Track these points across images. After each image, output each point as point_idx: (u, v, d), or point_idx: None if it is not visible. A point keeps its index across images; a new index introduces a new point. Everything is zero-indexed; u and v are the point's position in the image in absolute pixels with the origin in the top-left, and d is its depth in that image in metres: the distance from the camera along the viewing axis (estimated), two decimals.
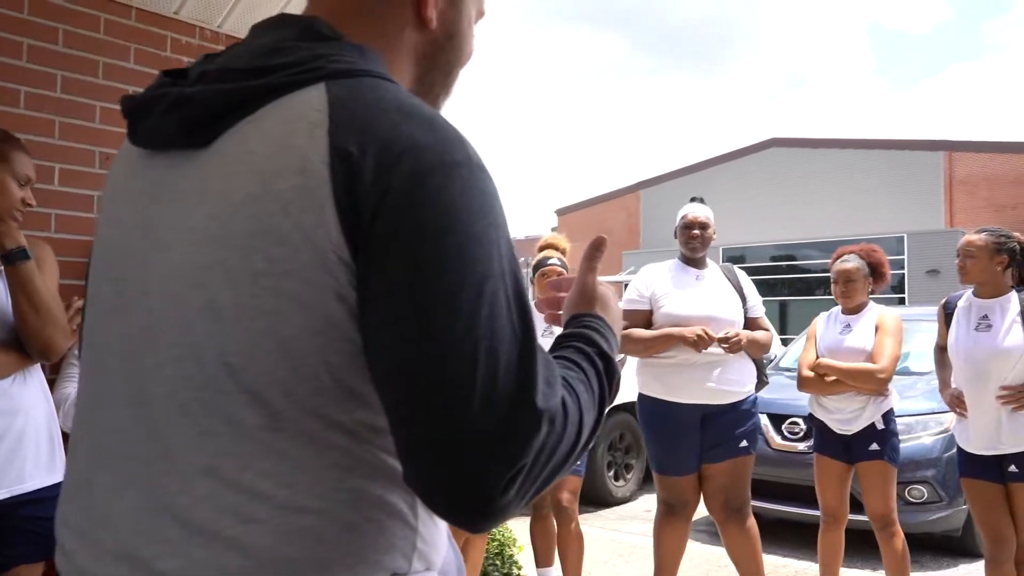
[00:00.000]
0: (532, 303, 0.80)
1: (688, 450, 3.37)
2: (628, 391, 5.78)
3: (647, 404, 3.50)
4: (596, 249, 0.99)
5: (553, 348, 0.87)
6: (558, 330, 3.53)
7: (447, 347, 0.67)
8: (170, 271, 0.77)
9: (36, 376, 2.12)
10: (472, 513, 0.68)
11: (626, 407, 6.31)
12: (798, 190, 24.01)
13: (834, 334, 3.65)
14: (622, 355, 3.87)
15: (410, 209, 0.69)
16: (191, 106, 0.78)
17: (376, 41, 0.84)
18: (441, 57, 0.92)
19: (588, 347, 0.86)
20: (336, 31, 0.82)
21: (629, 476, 6.48)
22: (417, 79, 0.91)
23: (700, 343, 3.20)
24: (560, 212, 31.51)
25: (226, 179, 0.75)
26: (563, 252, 4.03)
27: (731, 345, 3.24)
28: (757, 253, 23.70)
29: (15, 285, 2.03)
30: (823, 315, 3.84)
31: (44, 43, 2.56)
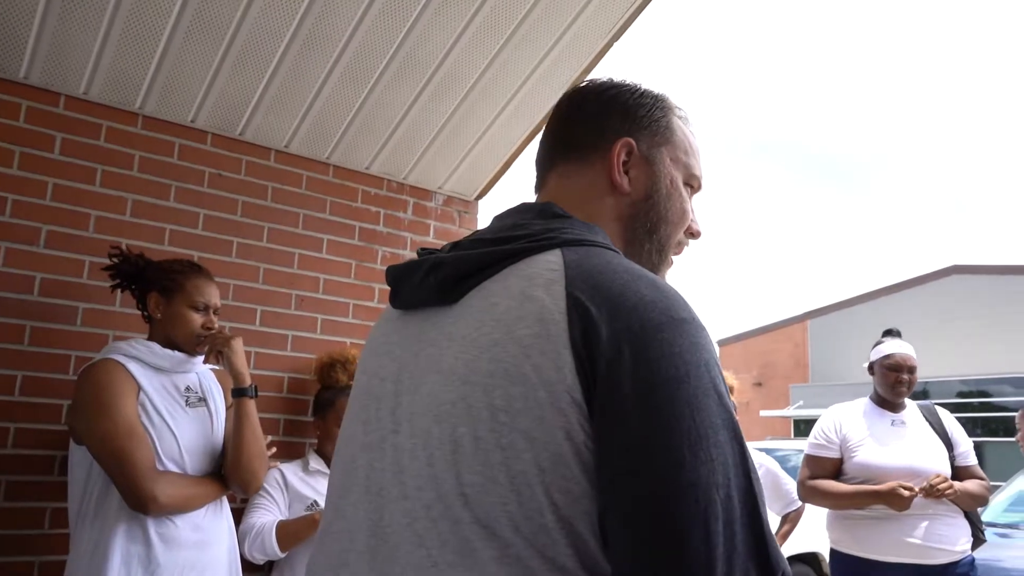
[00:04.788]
0: None
1: None
2: (805, 541, 5.39)
3: (842, 562, 3.14)
4: None
5: None
6: None
7: (679, 498, 0.70)
8: (419, 409, 0.85)
9: (225, 508, 2.21)
10: None
11: (804, 558, 5.84)
12: (985, 320, 22.16)
13: None
14: (801, 504, 3.61)
15: (644, 359, 0.74)
16: (444, 268, 0.89)
17: (584, 211, 0.97)
18: (642, 217, 1.00)
19: None
20: (566, 212, 0.94)
21: None
22: (626, 241, 1.00)
23: (900, 502, 2.89)
24: (722, 343, 30.67)
25: (472, 327, 0.83)
26: (730, 390, 3.89)
27: (934, 493, 2.91)
28: (942, 389, 21.82)
29: (242, 419, 2.19)
30: None
31: (256, 199, 2.88)
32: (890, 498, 2.90)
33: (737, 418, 0.77)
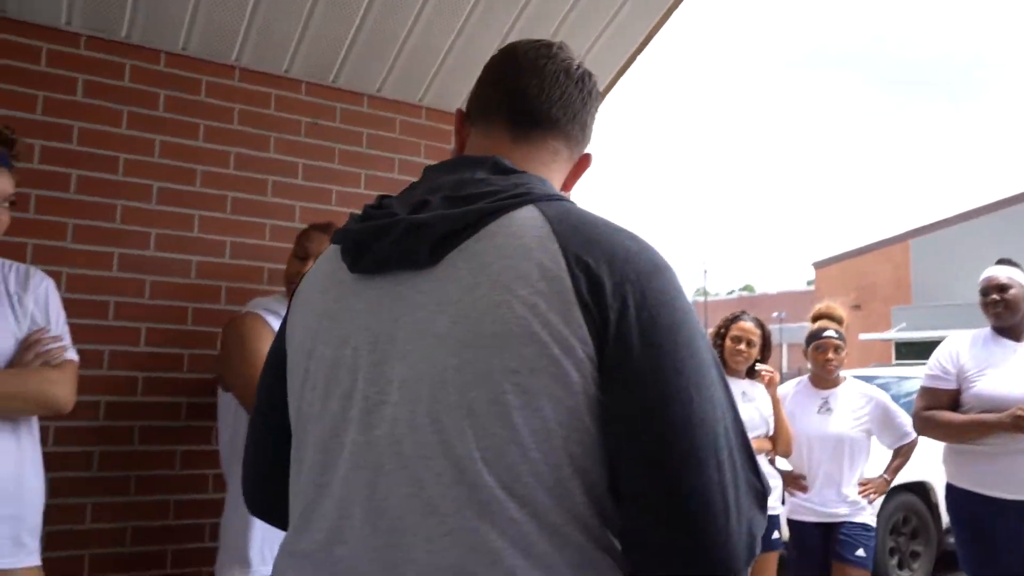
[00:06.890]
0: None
1: (1014, 557, 2.84)
2: (913, 470, 5.24)
3: (959, 498, 3.01)
4: None
5: None
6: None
7: (694, 433, 0.77)
8: (411, 376, 0.82)
9: None
10: None
11: (911, 487, 5.72)
12: None
13: None
14: (914, 436, 3.50)
15: (645, 308, 0.79)
16: (427, 230, 0.85)
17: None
18: None
19: None
20: (516, 167, 0.94)
21: (916, 566, 5.80)
22: None
23: (1021, 424, 2.74)
24: (818, 265, 29.75)
25: (466, 290, 0.82)
26: (839, 323, 3.73)
27: None
28: None
29: None
30: None
31: (352, 147, 2.90)
32: (1010, 425, 2.75)
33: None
